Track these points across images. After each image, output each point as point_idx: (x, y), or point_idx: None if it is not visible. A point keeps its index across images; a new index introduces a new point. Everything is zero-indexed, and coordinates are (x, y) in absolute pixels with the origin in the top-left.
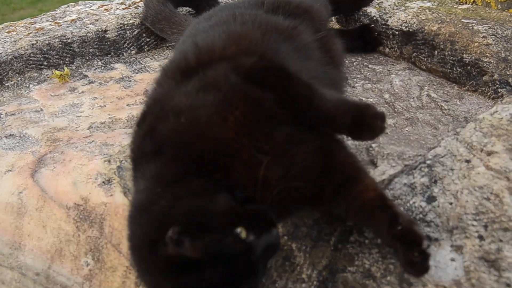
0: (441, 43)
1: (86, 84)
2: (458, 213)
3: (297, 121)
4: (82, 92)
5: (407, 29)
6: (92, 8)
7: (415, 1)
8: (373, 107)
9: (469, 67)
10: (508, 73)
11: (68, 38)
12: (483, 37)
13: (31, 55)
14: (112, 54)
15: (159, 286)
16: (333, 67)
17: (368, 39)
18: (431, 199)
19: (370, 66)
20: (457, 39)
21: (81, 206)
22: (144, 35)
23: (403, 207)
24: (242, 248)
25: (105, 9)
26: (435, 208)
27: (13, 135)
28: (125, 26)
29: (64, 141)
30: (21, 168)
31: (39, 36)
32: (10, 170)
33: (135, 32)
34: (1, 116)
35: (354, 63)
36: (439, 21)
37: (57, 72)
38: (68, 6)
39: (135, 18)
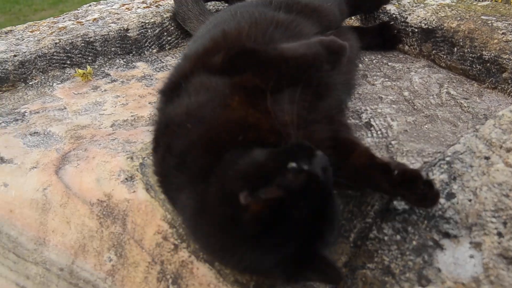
0: (460, 40)
1: (109, 82)
2: (477, 210)
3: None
4: (105, 90)
5: (427, 26)
6: (113, 7)
7: None
8: (336, 39)
9: (488, 64)
10: None
11: (91, 37)
12: (503, 33)
13: (54, 54)
14: (133, 52)
15: (251, 251)
16: (348, 68)
17: (387, 37)
18: (450, 195)
19: (389, 63)
20: (476, 36)
21: (104, 203)
22: (165, 33)
23: None
24: (305, 176)
25: (126, 8)
26: (454, 205)
27: (37, 132)
28: (147, 25)
29: (88, 138)
30: (45, 165)
31: (62, 35)
32: (35, 167)
33: (156, 31)
34: (26, 114)
35: (374, 61)
36: (459, 18)
37: (80, 70)
38: (90, 5)
39: (156, 16)
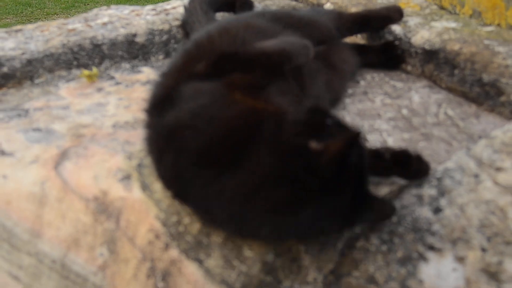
0: (462, 62)
1: (113, 85)
2: (462, 225)
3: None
4: (109, 92)
5: (430, 47)
6: (123, 12)
7: (440, 21)
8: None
9: (487, 87)
10: None
11: (99, 40)
12: (503, 58)
13: (62, 54)
14: (140, 57)
15: (325, 197)
16: (335, 78)
17: (391, 56)
18: (437, 210)
19: (391, 82)
20: (477, 59)
21: (100, 199)
22: (172, 41)
23: (410, 217)
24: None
25: (136, 14)
26: (440, 220)
27: (39, 129)
28: (154, 31)
29: (88, 137)
30: (45, 160)
31: (71, 37)
32: (35, 162)
33: (164, 38)
34: (29, 110)
35: (376, 79)
36: (462, 41)
37: (85, 72)
38: (101, 9)
39: (164, 24)
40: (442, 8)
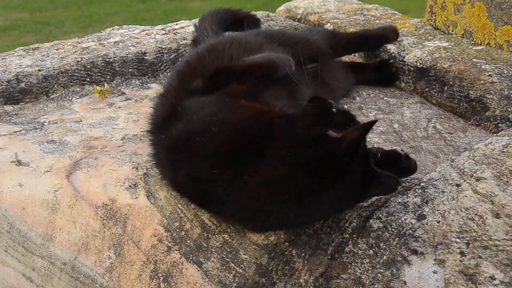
0: (451, 79)
1: (123, 100)
2: (443, 231)
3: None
4: (119, 107)
5: (422, 65)
6: (134, 32)
7: (433, 41)
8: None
9: (474, 103)
10: (509, 109)
11: (110, 58)
12: (489, 75)
13: (76, 71)
14: (149, 74)
15: (344, 179)
16: (325, 93)
17: (385, 74)
18: (421, 217)
19: (385, 98)
20: (465, 76)
21: (109, 206)
22: (180, 59)
23: (395, 223)
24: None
25: (146, 34)
26: (423, 225)
27: (53, 141)
28: (163, 50)
29: (99, 148)
30: (58, 169)
31: (84, 55)
32: (49, 171)
33: (172, 56)
34: (44, 124)
35: (371, 95)
36: (451, 59)
37: (98, 88)
38: (113, 29)
39: (172, 43)
40: (436, 28)
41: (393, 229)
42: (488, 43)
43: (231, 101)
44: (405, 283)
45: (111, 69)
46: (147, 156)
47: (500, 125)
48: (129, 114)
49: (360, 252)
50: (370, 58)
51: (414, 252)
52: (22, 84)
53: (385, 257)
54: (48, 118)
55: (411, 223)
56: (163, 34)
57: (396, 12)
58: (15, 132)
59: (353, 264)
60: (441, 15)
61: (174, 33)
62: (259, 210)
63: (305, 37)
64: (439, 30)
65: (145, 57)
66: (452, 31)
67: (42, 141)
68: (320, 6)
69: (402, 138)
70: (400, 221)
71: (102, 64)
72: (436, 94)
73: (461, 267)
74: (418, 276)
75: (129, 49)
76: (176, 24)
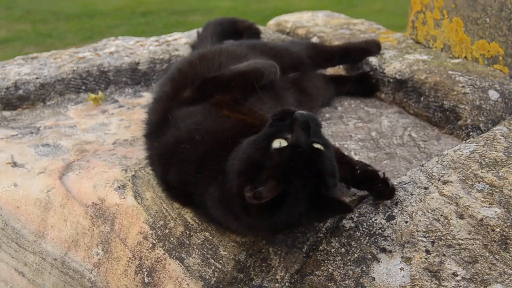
0: (427, 90)
1: (116, 107)
2: (411, 230)
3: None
4: (112, 114)
5: (400, 77)
6: (129, 43)
7: (414, 54)
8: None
9: (447, 113)
10: (480, 119)
11: (105, 67)
12: (462, 86)
13: (72, 79)
14: (142, 83)
15: (272, 220)
16: (305, 100)
17: (366, 86)
18: (390, 217)
19: (365, 108)
20: (440, 88)
21: (98, 205)
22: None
23: (366, 223)
24: (289, 150)
25: (140, 45)
26: (392, 225)
27: (48, 144)
28: (156, 60)
29: (91, 152)
30: (51, 171)
31: (80, 64)
32: (42, 172)
33: (164, 66)
34: (40, 128)
35: (352, 105)
36: (428, 71)
37: (92, 95)
38: (109, 39)
39: (165, 54)
40: (417, 42)
41: (364, 229)
42: (465, 57)
43: (215, 111)
44: (374, 279)
45: (106, 78)
46: (136, 159)
47: (471, 133)
48: (121, 121)
49: (333, 250)
50: (354, 70)
51: (383, 250)
52: (20, 91)
53: (356, 255)
54: (44, 123)
55: (381, 223)
56: (156, 45)
57: (381, 27)
58: (12, 136)
59: (326, 261)
60: (422, 30)
61: (167, 45)
62: (220, 216)
63: (286, 48)
64: (420, 44)
65: (138, 67)
66: (432, 45)
67: (37, 145)
68: (309, 20)
69: (379, 145)
70: (370, 221)
71: (97, 73)
72: (413, 104)
73: (426, 264)
74: (386, 272)
75: (123, 59)
76: (169, 36)
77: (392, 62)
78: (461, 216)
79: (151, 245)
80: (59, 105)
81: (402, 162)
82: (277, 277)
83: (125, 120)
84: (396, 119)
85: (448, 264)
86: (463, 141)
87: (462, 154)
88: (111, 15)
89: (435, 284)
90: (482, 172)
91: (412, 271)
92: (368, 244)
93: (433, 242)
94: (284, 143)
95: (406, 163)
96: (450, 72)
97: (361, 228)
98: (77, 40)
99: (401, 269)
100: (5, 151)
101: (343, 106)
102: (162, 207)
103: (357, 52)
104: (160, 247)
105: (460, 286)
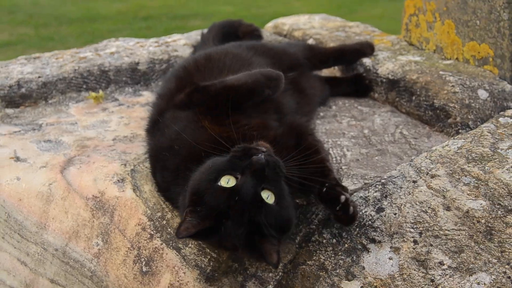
0: (418, 90)
1: (116, 106)
2: (399, 222)
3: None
4: (112, 111)
5: (393, 77)
6: (129, 44)
7: (407, 55)
8: (272, 70)
9: (438, 111)
10: (469, 117)
11: (106, 67)
12: (452, 86)
13: (73, 78)
14: (141, 83)
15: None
16: (305, 101)
17: (360, 86)
18: (380, 209)
19: (359, 107)
20: (430, 87)
21: (98, 198)
22: (170, 69)
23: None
24: (229, 193)
25: (140, 46)
26: (381, 217)
27: (50, 140)
28: (155, 60)
29: (91, 148)
30: (53, 165)
31: (81, 63)
32: (44, 167)
33: (163, 66)
34: (42, 125)
35: (346, 104)
36: (419, 72)
37: (93, 94)
38: (110, 40)
39: (164, 54)
40: (411, 44)
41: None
42: (456, 58)
43: (197, 120)
44: (363, 268)
45: (106, 77)
46: (135, 155)
47: (460, 131)
48: (121, 118)
49: (324, 241)
50: (349, 71)
51: (373, 240)
52: (23, 90)
53: (346, 245)
54: (45, 120)
55: (371, 215)
56: (155, 46)
57: (376, 29)
58: (15, 132)
59: (318, 251)
60: (415, 32)
61: (166, 46)
62: None
63: (283, 49)
64: (413, 46)
65: (138, 67)
66: (425, 46)
67: (39, 140)
68: (306, 23)
69: (371, 142)
70: (361, 213)
71: (98, 72)
72: (405, 104)
73: (414, 254)
74: (375, 262)
75: (123, 59)
76: (169, 37)
77: (385, 63)
78: (448, 208)
79: (149, 235)
80: (61, 103)
81: (393, 158)
82: (271, 266)
83: (125, 118)
84: (389, 117)
85: (435, 253)
86: (452, 138)
87: (450, 150)
88: (112, 20)
89: (422, 272)
90: (468, 167)
91: (400, 260)
92: (358, 235)
93: (420, 233)
94: (232, 182)
95: (397, 159)
96: (441, 72)
97: None
98: (78, 43)
99: (390, 258)
100: (8, 146)
101: (337, 105)
102: (160, 199)
103: (352, 54)
104: (157, 237)
105: (447, 274)
